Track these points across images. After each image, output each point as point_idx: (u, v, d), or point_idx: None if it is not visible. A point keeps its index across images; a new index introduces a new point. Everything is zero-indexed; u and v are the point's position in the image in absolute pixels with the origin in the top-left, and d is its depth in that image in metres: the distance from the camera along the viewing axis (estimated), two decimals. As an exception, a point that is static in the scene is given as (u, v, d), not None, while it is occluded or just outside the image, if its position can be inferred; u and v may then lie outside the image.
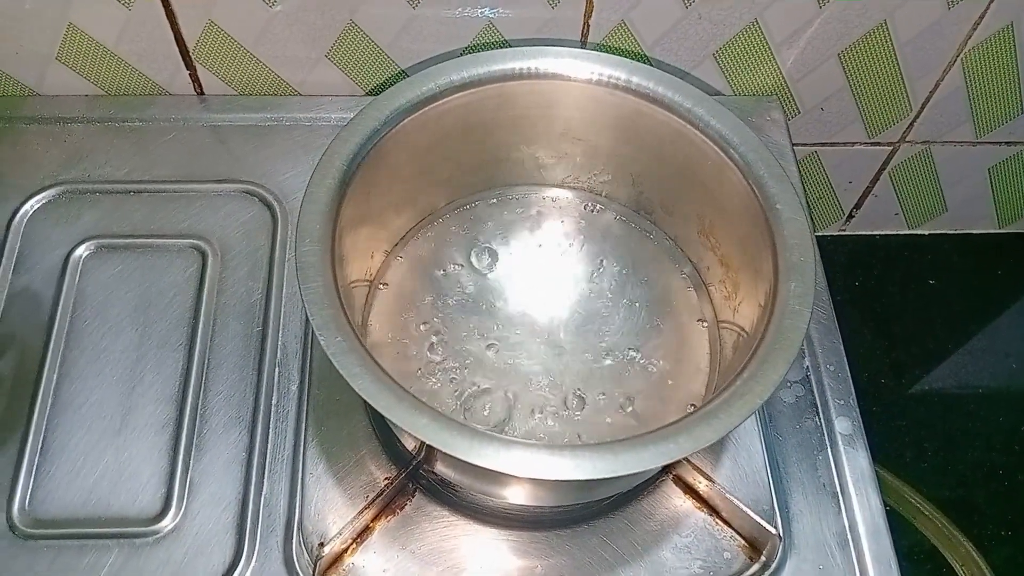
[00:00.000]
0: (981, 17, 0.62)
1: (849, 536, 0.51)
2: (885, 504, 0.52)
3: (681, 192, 0.54)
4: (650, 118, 0.51)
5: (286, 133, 0.64)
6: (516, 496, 0.48)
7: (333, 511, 0.49)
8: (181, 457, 0.51)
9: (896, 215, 0.82)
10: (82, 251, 0.58)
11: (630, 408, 0.52)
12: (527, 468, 0.38)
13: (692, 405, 0.52)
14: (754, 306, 0.48)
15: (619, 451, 0.38)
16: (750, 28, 0.62)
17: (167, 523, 0.49)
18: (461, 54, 0.63)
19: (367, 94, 0.67)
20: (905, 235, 0.84)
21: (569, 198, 0.60)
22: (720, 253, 0.53)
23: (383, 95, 0.50)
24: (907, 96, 0.69)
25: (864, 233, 0.85)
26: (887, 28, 0.62)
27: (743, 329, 0.49)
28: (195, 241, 0.59)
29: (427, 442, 0.38)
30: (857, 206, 0.81)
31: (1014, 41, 0.64)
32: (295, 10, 0.60)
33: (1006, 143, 0.75)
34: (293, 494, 0.50)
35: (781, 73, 0.66)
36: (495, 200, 0.60)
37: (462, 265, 0.57)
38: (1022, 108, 0.71)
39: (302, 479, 0.50)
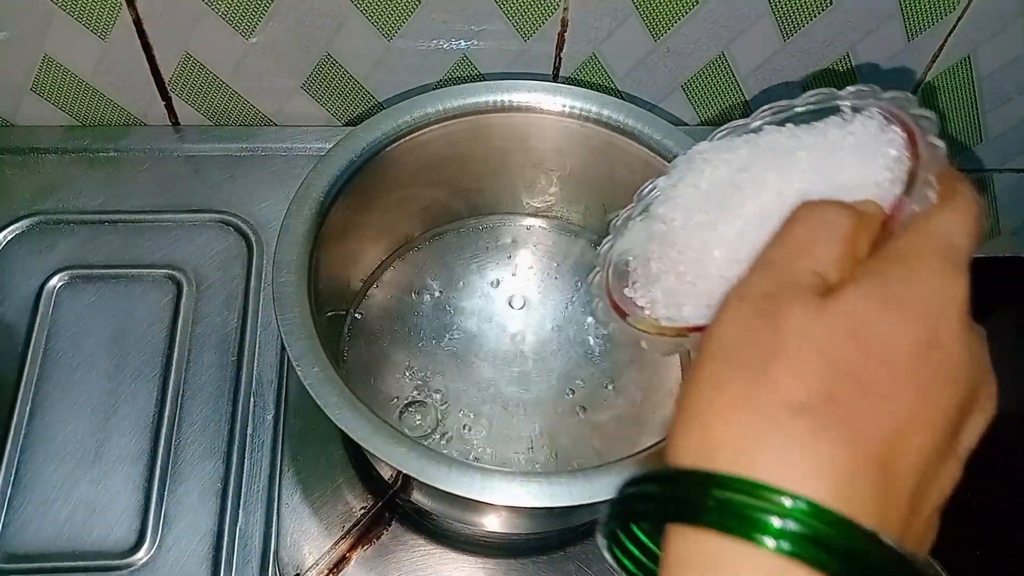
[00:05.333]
0: (940, 49, 0.64)
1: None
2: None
3: (652, 221, 0.55)
4: (621, 149, 0.52)
5: (262, 163, 0.65)
6: (493, 523, 0.48)
7: (309, 541, 0.49)
8: (156, 489, 0.51)
9: (863, 241, 0.84)
10: (56, 282, 0.58)
11: (604, 435, 0.52)
12: (504, 496, 0.38)
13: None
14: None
15: (594, 478, 0.38)
16: (717, 60, 0.63)
17: (142, 556, 0.49)
18: (436, 86, 0.64)
19: (344, 125, 0.68)
20: (872, 260, 0.86)
21: (543, 227, 0.61)
22: (691, 281, 0.54)
23: (359, 127, 0.50)
24: (871, 126, 0.71)
25: (832, 258, 0.86)
26: (849, 60, 0.64)
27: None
28: (170, 271, 0.59)
29: (405, 472, 0.38)
30: (825, 232, 0.83)
31: (972, 73, 0.66)
32: (271, 42, 0.60)
33: (967, 171, 0.76)
34: (269, 525, 0.50)
35: (748, 104, 0.67)
36: (471, 229, 0.60)
37: (438, 294, 0.57)
38: (981, 137, 0.73)
39: (278, 509, 0.50)
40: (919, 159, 0.27)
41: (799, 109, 0.31)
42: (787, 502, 0.21)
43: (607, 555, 0.25)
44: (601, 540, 0.25)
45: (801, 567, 0.21)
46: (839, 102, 0.30)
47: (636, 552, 0.24)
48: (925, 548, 0.24)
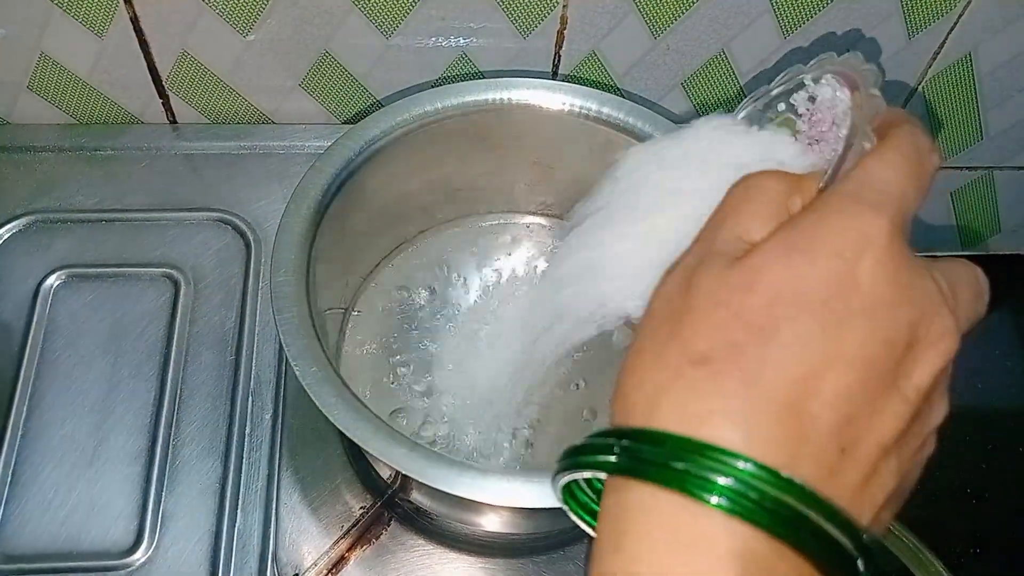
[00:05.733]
0: (941, 47, 0.64)
1: (821, 558, 0.51)
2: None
3: (652, 219, 0.55)
4: (621, 147, 0.52)
5: (260, 162, 0.64)
6: (492, 523, 0.48)
7: (308, 541, 0.49)
8: (153, 488, 0.51)
9: (862, 239, 0.84)
10: (53, 281, 0.58)
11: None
12: (504, 497, 0.38)
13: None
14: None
15: (594, 478, 0.38)
16: (717, 58, 0.63)
17: (140, 556, 0.49)
18: (435, 84, 0.64)
19: (343, 123, 0.67)
20: (872, 258, 0.86)
21: (543, 225, 0.61)
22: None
23: (358, 125, 0.50)
24: (871, 123, 0.70)
25: (832, 256, 0.86)
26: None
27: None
28: (167, 270, 0.59)
29: (405, 472, 0.38)
30: (824, 230, 0.83)
31: (973, 70, 0.66)
32: (269, 40, 0.60)
33: (967, 168, 0.76)
34: (267, 525, 0.50)
35: (748, 101, 0.67)
36: (469, 227, 0.60)
37: (436, 292, 0.57)
38: (982, 134, 0.72)
39: (276, 509, 0.50)
40: (859, 111, 0.28)
41: (774, 92, 0.32)
42: (683, 445, 0.22)
43: (563, 506, 0.27)
44: (556, 493, 0.27)
45: (695, 503, 0.22)
46: (803, 76, 0.31)
47: (588, 502, 0.26)
48: (877, 491, 0.23)
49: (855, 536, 0.22)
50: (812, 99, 0.30)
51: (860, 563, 0.22)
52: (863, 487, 0.23)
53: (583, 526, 0.27)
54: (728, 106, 0.67)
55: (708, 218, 0.27)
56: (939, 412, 0.25)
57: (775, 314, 0.23)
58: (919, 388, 0.23)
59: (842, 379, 0.22)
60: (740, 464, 0.22)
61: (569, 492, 0.26)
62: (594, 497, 0.26)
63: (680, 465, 0.22)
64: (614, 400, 0.25)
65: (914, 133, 0.26)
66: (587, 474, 0.25)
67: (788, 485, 0.22)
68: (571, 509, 0.27)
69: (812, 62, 0.31)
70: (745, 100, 0.33)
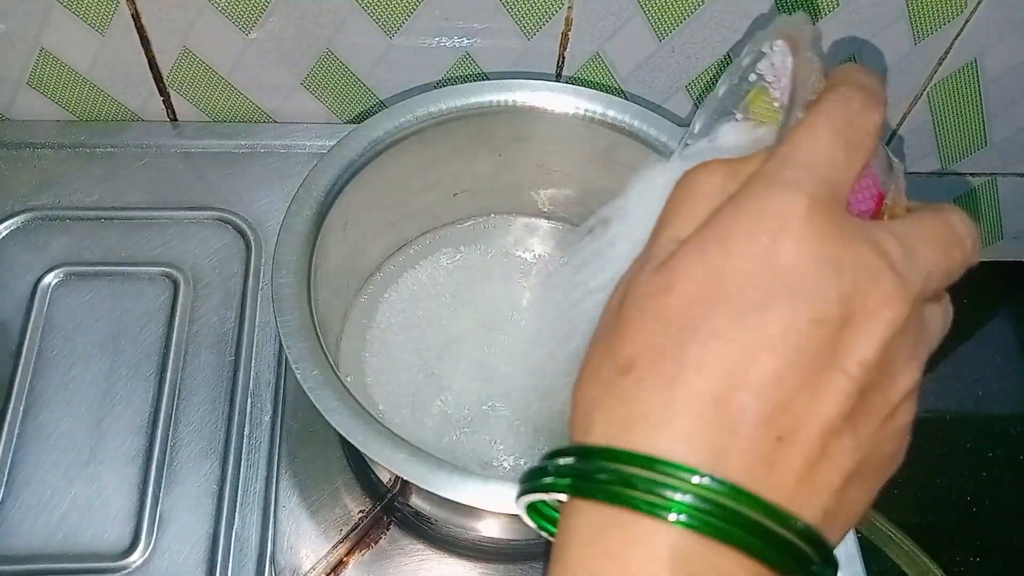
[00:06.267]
0: (946, 53, 0.64)
1: (823, 566, 0.51)
2: (856, 531, 0.52)
3: (656, 223, 0.55)
4: (625, 151, 0.52)
5: (260, 160, 0.64)
6: (493, 529, 0.48)
7: (306, 545, 0.49)
8: (151, 490, 0.50)
9: (864, 244, 0.83)
10: (51, 279, 0.57)
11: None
12: (506, 504, 0.37)
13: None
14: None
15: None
16: (722, 62, 0.63)
17: (136, 558, 0.48)
18: (438, 84, 0.64)
19: (345, 122, 0.67)
20: (873, 263, 0.86)
21: (545, 227, 0.60)
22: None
23: (361, 125, 0.50)
24: (875, 128, 0.70)
25: (833, 261, 0.86)
26: (856, 62, 0.64)
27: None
28: (167, 269, 0.58)
29: (406, 478, 0.37)
30: (826, 235, 0.82)
31: (978, 76, 0.66)
32: (271, 38, 0.60)
33: (970, 174, 0.76)
34: (265, 528, 0.49)
35: (753, 105, 0.67)
36: (472, 228, 0.60)
37: (438, 292, 0.57)
38: (985, 141, 0.72)
39: (275, 512, 0.50)
40: (797, 77, 0.26)
41: (744, 63, 0.31)
42: (612, 457, 0.22)
43: (527, 520, 0.27)
44: (520, 509, 0.27)
45: (624, 511, 0.22)
46: (761, 45, 0.30)
47: (549, 512, 0.26)
48: (831, 476, 0.23)
49: (790, 524, 0.22)
50: (773, 65, 0.29)
51: (807, 550, 0.22)
52: (810, 471, 0.22)
53: (548, 538, 0.27)
54: (732, 110, 0.67)
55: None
56: (905, 379, 0.23)
57: (692, 312, 0.23)
58: (863, 362, 0.22)
59: (767, 366, 0.22)
60: (661, 468, 0.21)
61: (534, 508, 0.26)
62: (557, 507, 0.26)
63: (602, 476, 0.22)
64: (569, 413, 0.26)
65: (847, 94, 0.25)
66: (535, 497, 0.25)
67: (714, 483, 0.21)
68: (536, 524, 0.27)
69: (769, 26, 0.30)
70: (723, 76, 0.32)
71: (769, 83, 0.30)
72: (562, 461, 0.24)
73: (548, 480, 0.24)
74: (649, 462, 0.22)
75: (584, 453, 0.23)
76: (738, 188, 0.24)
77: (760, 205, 0.23)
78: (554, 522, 0.25)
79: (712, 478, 0.21)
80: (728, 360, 0.22)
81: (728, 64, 0.63)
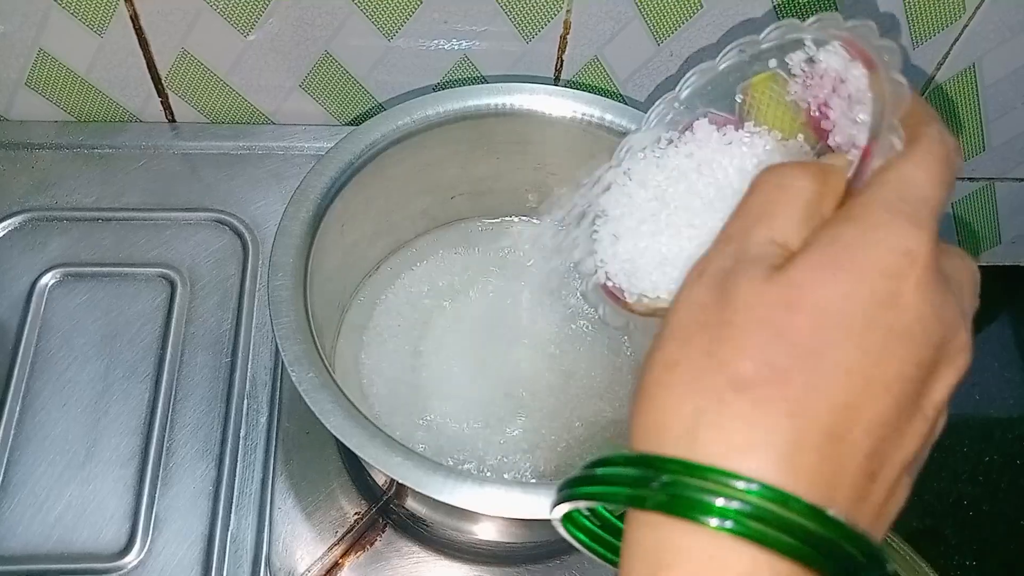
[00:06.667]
0: (944, 58, 0.64)
1: (818, 570, 0.51)
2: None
3: (653, 227, 0.55)
4: (623, 154, 0.52)
5: (258, 162, 0.64)
6: (488, 532, 0.48)
7: (302, 547, 0.49)
8: (147, 491, 0.50)
9: (862, 248, 0.83)
10: (48, 279, 0.57)
11: (606, 438, 0.52)
12: (502, 507, 0.37)
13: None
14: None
15: (592, 490, 0.38)
16: (721, 65, 0.63)
17: (132, 559, 0.48)
18: (436, 87, 0.64)
19: (343, 124, 0.67)
20: (871, 267, 0.86)
21: (543, 230, 0.60)
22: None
23: (359, 128, 0.50)
24: (873, 133, 0.70)
25: (831, 265, 0.86)
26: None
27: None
28: (164, 270, 0.58)
29: (401, 481, 0.37)
30: (824, 239, 0.82)
31: (976, 81, 0.66)
32: (270, 40, 0.60)
33: (968, 179, 0.76)
34: (261, 529, 0.49)
35: (751, 109, 0.67)
36: (470, 232, 0.60)
37: (435, 295, 0.57)
38: (983, 146, 0.72)
39: (270, 514, 0.50)
40: (884, 101, 0.26)
41: (764, 46, 0.30)
42: (726, 481, 0.21)
43: (560, 530, 0.26)
44: (555, 518, 0.25)
45: (746, 544, 0.21)
46: (802, 35, 0.28)
47: (592, 527, 0.25)
48: (892, 508, 0.23)
49: (880, 562, 0.22)
50: (811, 61, 0.28)
51: None
52: (883, 507, 0.23)
53: (584, 551, 0.26)
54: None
55: (734, 213, 0.25)
56: (943, 424, 0.25)
57: (820, 337, 0.22)
58: (937, 405, 0.23)
59: (880, 404, 0.22)
60: (791, 503, 0.21)
61: (569, 517, 0.25)
62: (597, 522, 0.25)
63: (731, 505, 0.21)
64: (636, 413, 0.24)
65: (943, 133, 0.25)
66: (610, 505, 0.24)
67: (829, 522, 0.21)
68: (572, 535, 0.26)
69: (811, 20, 0.28)
70: (729, 49, 0.31)
71: (792, 75, 0.29)
72: (666, 478, 0.22)
73: (643, 494, 0.22)
74: (772, 493, 0.21)
75: (696, 472, 0.22)
76: (833, 200, 0.25)
77: (891, 239, 0.23)
78: (589, 532, 0.25)
79: (832, 519, 0.21)
80: (848, 394, 0.22)
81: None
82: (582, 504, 0.24)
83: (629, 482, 0.22)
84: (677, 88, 0.33)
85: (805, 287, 0.23)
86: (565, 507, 0.24)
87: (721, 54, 0.31)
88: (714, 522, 0.21)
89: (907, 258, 0.23)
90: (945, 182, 0.24)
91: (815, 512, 0.21)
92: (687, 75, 0.32)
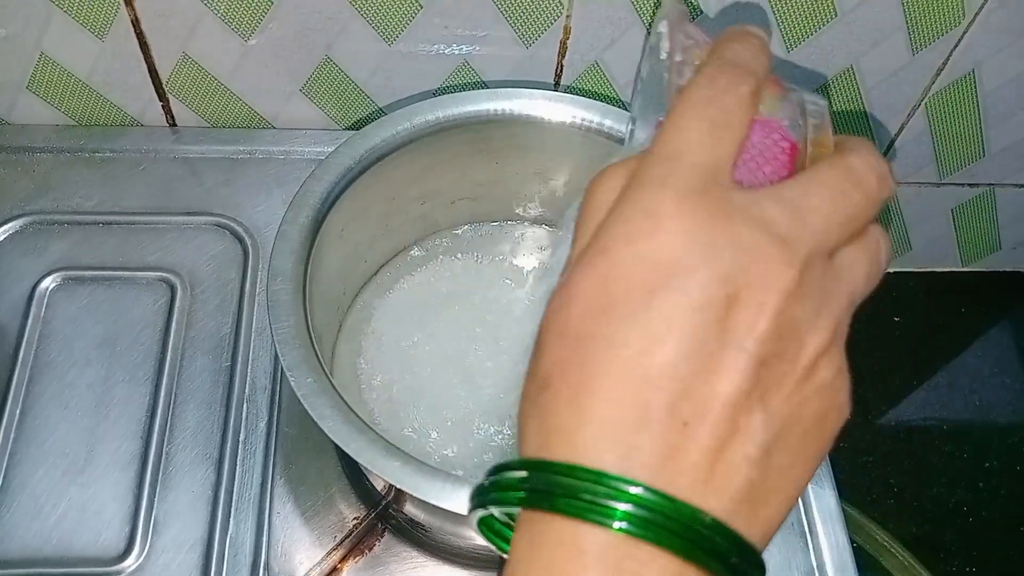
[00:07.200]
0: (944, 64, 0.64)
1: (816, 575, 0.51)
2: (852, 541, 0.52)
3: (653, 232, 0.55)
4: (622, 160, 0.52)
5: (259, 166, 0.64)
6: (486, 537, 0.48)
7: (301, 551, 0.49)
8: (146, 495, 0.50)
9: (862, 253, 0.83)
10: (48, 283, 0.57)
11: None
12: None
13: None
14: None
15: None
16: (721, 71, 0.63)
17: (130, 563, 0.48)
18: (436, 92, 0.64)
19: (344, 129, 0.67)
20: (871, 273, 0.86)
21: (542, 235, 0.60)
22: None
23: (359, 133, 0.50)
24: (872, 139, 0.70)
25: (831, 270, 0.86)
26: (853, 73, 0.64)
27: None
28: (164, 274, 0.58)
29: (400, 487, 0.38)
30: (824, 244, 0.82)
31: (975, 87, 0.66)
32: (270, 44, 0.60)
33: (969, 184, 0.76)
34: (260, 534, 0.49)
35: (751, 114, 0.67)
36: (468, 235, 0.60)
37: (435, 300, 0.57)
38: (983, 152, 0.72)
39: (269, 518, 0.50)
40: (673, 46, 0.27)
41: (645, 69, 0.30)
42: (530, 467, 0.23)
43: (478, 535, 0.27)
44: (472, 524, 0.27)
45: (555, 517, 0.22)
46: (651, 40, 0.30)
47: (499, 528, 0.26)
48: (746, 446, 0.23)
49: (699, 519, 0.22)
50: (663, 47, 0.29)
51: (720, 543, 0.22)
52: (722, 449, 0.22)
53: (500, 552, 0.27)
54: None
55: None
56: (815, 338, 0.23)
57: (587, 323, 0.23)
58: (757, 335, 0.23)
59: (659, 359, 0.22)
60: (578, 473, 0.22)
61: (483, 522, 0.26)
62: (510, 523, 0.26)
63: (529, 486, 0.23)
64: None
65: (711, 73, 0.25)
66: (494, 510, 0.25)
67: (622, 482, 0.22)
68: (487, 538, 0.27)
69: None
70: (643, 56, 0.31)
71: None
72: (492, 478, 0.24)
73: (507, 495, 0.24)
74: (567, 469, 0.22)
75: (523, 466, 0.24)
76: None
77: (630, 208, 0.24)
78: (505, 538, 0.26)
79: (615, 477, 0.22)
80: (624, 362, 0.23)
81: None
82: (488, 510, 0.25)
83: (495, 489, 0.24)
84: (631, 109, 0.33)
85: (572, 283, 0.24)
86: (477, 513, 0.26)
87: (639, 65, 0.31)
88: (522, 503, 0.23)
89: (648, 219, 0.23)
90: (706, 125, 0.24)
91: (600, 475, 0.22)
92: (632, 96, 0.32)
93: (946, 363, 0.83)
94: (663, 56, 0.29)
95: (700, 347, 0.22)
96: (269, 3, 0.57)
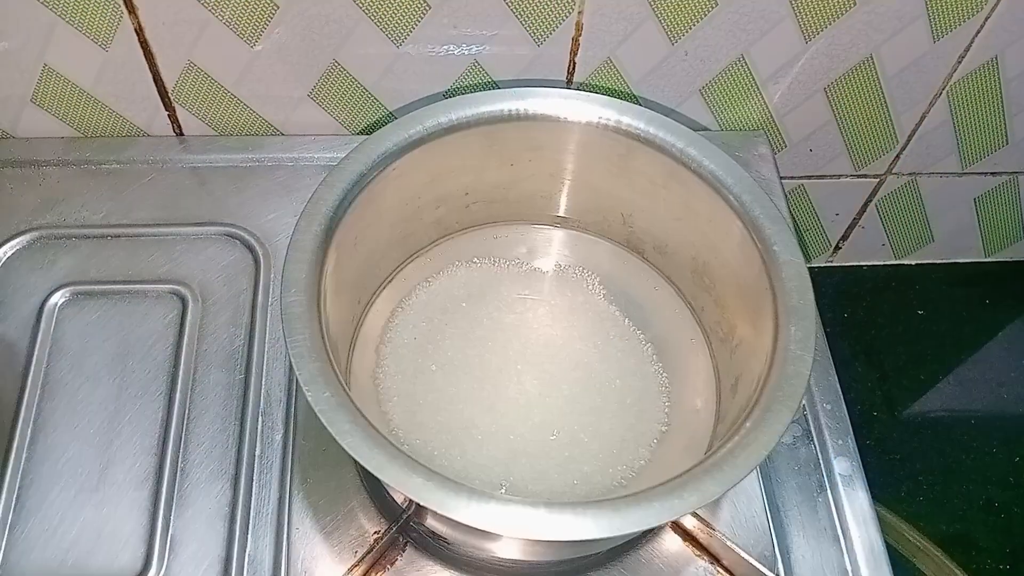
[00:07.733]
0: (966, 51, 0.62)
1: (851, 578, 0.50)
2: (885, 542, 0.51)
3: (673, 232, 0.54)
4: (641, 158, 0.50)
5: (268, 174, 0.63)
6: (511, 551, 0.46)
7: (321, 568, 0.47)
8: (162, 513, 0.49)
9: (883, 246, 0.82)
10: (58, 298, 0.56)
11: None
12: (527, 529, 0.36)
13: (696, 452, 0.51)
14: (753, 349, 0.47)
15: (622, 508, 0.37)
16: (736, 64, 0.62)
17: (148, 584, 0.47)
18: (447, 93, 0.63)
19: (354, 134, 0.66)
20: (892, 265, 0.84)
21: (559, 236, 0.59)
22: (715, 294, 0.52)
23: (370, 138, 0.49)
24: (893, 129, 0.69)
25: (851, 264, 0.85)
26: (873, 62, 0.62)
27: (742, 372, 0.48)
28: (175, 286, 0.57)
29: (423, 503, 0.36)
30: (844, 237, 0.81)
31: (998, 74, 0.65)
32: (277, 50, 0.59)
33: (991, 174, 0.75)
34: (279, 550, 0.48)
35: (768, 108, 0.66)
36: (484, 238, 0.59)
37: (452, 305, 0.55)
38: (1006, 140, 0.71)
39: (288, 534, 0.48)
40: None
41: None
42: None
43: None
44: None
45: None
46: None
47: None
48: None
49: None
50: None
51: None
52: None
53: None
54: (749, 114, 0.66)
55: None
56: None
57: None
58: None
59: None
60: None
61: None
62: None
63: None
64: None
65: None
66: None
67: None
68: None
69: None
70: None
71: None
72: None
73: None
74: None
75: None
76: None
77: None
78: None
79: None
80: None
81: (745, 70, 0.62)
82: None
83: None
84: None
85: None
86: None
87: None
88: None
89: None
90: None
91: None
92: None
93: (971, 355, 0.81)
94: None
95: None
96: (275, 7, 0.56)
